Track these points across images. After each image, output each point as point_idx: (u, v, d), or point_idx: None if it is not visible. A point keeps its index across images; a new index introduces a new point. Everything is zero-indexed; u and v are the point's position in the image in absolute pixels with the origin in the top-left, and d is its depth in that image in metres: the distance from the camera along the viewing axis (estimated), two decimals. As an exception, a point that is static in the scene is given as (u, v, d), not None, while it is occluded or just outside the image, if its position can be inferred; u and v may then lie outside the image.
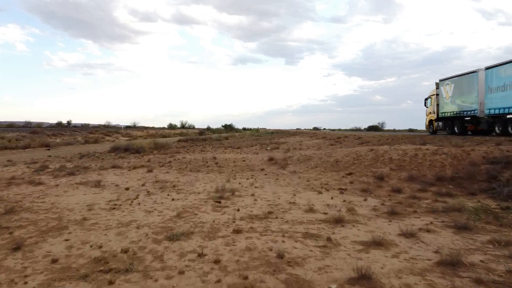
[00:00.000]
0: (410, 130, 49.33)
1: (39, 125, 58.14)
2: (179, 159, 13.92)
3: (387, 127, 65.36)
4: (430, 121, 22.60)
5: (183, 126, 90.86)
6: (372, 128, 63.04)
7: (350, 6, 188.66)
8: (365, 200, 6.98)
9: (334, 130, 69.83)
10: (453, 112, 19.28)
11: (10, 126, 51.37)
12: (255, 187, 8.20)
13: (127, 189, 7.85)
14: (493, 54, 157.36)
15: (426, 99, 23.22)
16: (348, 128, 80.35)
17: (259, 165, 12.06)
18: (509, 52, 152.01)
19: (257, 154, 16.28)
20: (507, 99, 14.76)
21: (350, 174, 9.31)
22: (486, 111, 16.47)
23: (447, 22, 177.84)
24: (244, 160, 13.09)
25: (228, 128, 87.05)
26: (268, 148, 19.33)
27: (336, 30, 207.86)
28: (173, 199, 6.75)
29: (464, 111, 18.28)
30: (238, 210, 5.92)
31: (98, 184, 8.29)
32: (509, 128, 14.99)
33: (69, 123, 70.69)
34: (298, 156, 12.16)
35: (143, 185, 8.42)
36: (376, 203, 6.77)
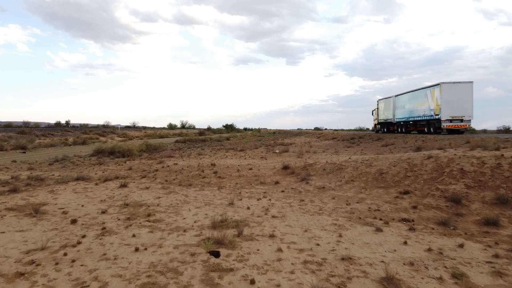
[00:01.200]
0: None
1: (37, 125, 56.29)
2: (168, 166, 11.13)
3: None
4: (375, 125, 34.53)
5: (183, 126, 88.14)
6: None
7: (351, 6, 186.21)
8: (461, 246, 4.17)
9: (337, 130, 67.29)
10: (384, 119, 31.26)
11: (8, 126, 49.38)
12: (273, 216, 5.40)
13: (74, 221, 5.05)
14: (494, 54, 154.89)
15: (372, 111, 34.92)
16: (351, 128, 77.67)
17: (271, 175, 9.26)
18: (511, 52, 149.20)
19: (265, 159, 13.49)
20: (401, 113, 26.90)
21: (405, 192, 6.50)
22: (395, 120, 28.15)
23: (448, 22, 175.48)
24: (250, 168, 10.28)
25: (229, 128, 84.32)
26: (277, 151, 16.52)
27: (337, 30, 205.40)
28: (137, 249, 3.93)
29: (388, 119, 30.12)
30: (253, 282, 3.11)
31: (36, 211, 5.50)
32: (403, 129, 26.57)
33: (67, 123, 68.99)
34: (323, 164, 9.33)
35: (103, 212, 5.62)
36: (483, 253, 3.96)
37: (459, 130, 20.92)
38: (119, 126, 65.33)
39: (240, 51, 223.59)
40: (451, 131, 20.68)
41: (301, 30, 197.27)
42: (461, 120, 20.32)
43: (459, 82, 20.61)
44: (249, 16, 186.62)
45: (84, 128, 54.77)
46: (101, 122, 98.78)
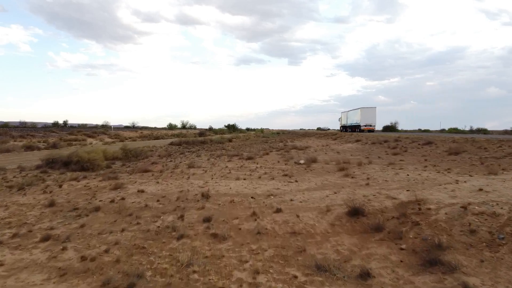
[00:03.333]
0: (421, 131, 54.37)
1: (34, 125, 54.59)
2: (123, 199, 6.11)
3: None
4: (340, 127, 54.51)
5: (183, 127, 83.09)
6: (387, 128, 54.72)
7: (353, 6, 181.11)
8: None
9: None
10: (343, 124, 51.37)
11: (5, 126, 46.13)
12: None
13: None
14: (496, 54, 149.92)
15: (339, 118, 55.85)
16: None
17: (328, 233, 4.24)
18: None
19: (293, 178, 8.42)
20: (349, 121, 48.62)
21: None
22: (348, 125, 48.66)
23: (450, 22, 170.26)
24: (278, 209, 5.24)
25: (231, 128, 79.12)
26: (302, 162, 11.49)
27: (339, 30, 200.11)
28: None
29: (345, 124, 50.38)
30: None
31: None
32: (350, 130, 46.47)
33: (65, 123, 66.47)
34: (455, 211, 4.00)
35: None
36: None
37: (371, 131, 38.81)
38: (112, 126, 60.52)
39: (242, 51, 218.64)
40: (368, 131, 38.08)
41: (302, 30, 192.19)
42: (370, 125, 39.89)
43: (369, 107, 40.69)
44: (250, 16, 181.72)
45: (71, 129, 49.96)
46: (100, 122, 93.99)
